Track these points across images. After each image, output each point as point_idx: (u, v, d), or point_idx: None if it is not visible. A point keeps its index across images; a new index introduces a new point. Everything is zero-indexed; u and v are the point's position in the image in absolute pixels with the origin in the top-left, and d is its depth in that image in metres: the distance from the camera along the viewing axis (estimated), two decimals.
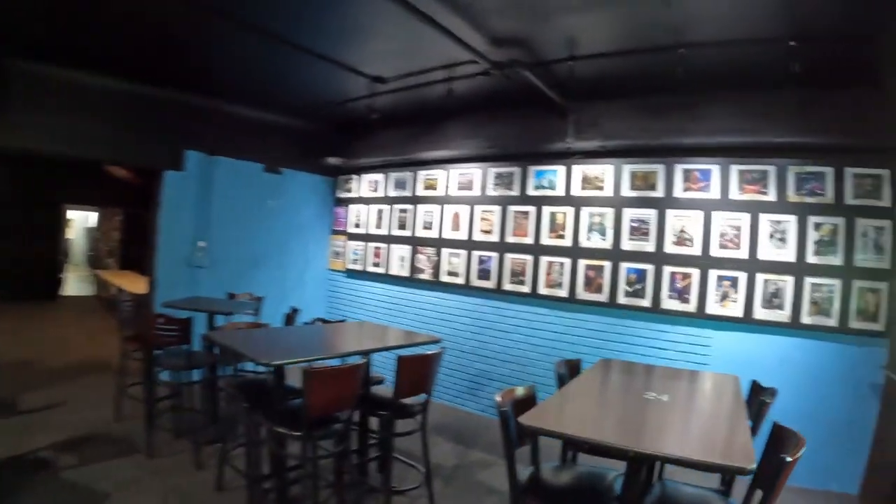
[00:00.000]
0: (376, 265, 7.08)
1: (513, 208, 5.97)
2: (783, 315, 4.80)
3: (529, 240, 5.84)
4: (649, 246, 5.31)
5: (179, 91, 6.06)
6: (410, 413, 3.61)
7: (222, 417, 4.64)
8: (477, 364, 6.13)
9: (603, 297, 5.46)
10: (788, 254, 4.85)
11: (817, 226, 4.80)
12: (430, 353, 3.59)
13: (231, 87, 6.03)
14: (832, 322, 4.64)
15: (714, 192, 5.11)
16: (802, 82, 4.30)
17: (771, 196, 4.94)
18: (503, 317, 6.01)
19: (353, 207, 7.52)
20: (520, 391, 2.80)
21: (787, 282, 4.84)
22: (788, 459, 2.03)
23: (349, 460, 3.69)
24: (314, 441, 3.18)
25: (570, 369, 3.70)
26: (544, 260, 5.74)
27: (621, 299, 5.39)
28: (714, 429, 2.60)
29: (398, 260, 6.83)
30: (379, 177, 7.19)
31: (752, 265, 4.93)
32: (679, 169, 5.25)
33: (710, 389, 3.61)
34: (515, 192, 5.97)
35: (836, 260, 4.71)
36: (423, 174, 6.71)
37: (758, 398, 3.34)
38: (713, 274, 5.05)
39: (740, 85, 4.85)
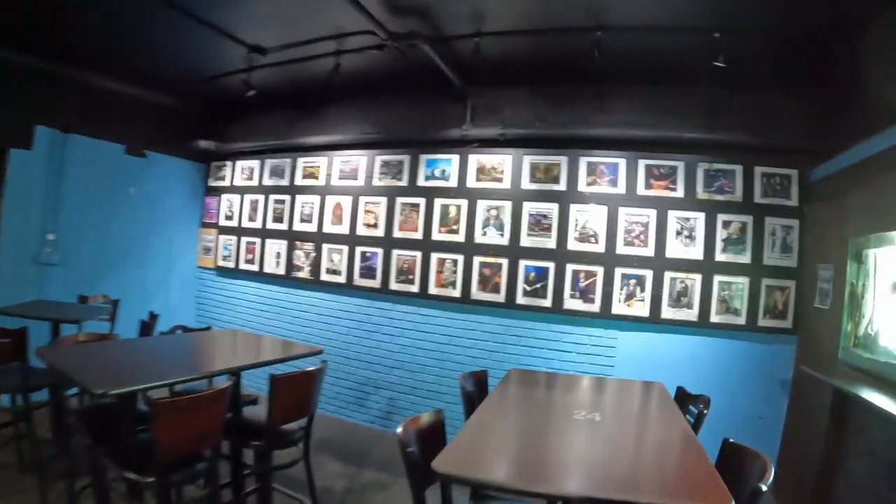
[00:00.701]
0: (249, 262, 6.19)
1: (401, 200, 5.30)
2: (691, 314, 4.54)
3: (419, 235, 5.19)
4: (550, 242, 4.80)
5: (27, 54, 4.95)
6: (290, 441, 3.14)
7: (75, 448, 3.67)
8: (363, 371, 5.41)
9: (500, 297, 4.90)
10: (696, 252, 4.57)
11: (726, 224, 4.56)
12: (310, 369, 3.13)
13: (89, 52, 5.02)
14: (741, 320, 4.49)
15: (620, 187, 4.74)
16: (715, 80, 4.23)
17: (679, 192, 4.65)
18: (390, 319, 5.32)
19: (225, 197, 6.57)
20: (425, 419, 2.35)
21: (695, 280, 4.56)
22: (763, 488, 1.81)
23: (219, 500, 2.95)
24: (171, 487, 2.51)
25: (478, 383, 3.27)
26: (435, 257, 5.10)
27: (520, 299, 4.84)
28: (669, 458, 2.28)
29: (273, 256, 5.99)
30: (254, 163, 6.32)
31: (660, 263, 4.60)
32: (584, 162, 4.83)
33: (641, 403, 3.36)
34: (404, 183, 5.32)
35: (745, 258, 4.51)
36: (302, 161, 5.93)
37: (686, 406, 3.22)
38: (618, 272, 4.66)
39: (652, 79, 4.55)
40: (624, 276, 4.68)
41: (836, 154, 4.08)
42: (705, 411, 3.01)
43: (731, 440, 2.29)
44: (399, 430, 2.15)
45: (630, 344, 4.68)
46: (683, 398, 3.36)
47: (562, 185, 4.86)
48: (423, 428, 2.29)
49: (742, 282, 4.54)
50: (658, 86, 4.62)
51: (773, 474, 1.92)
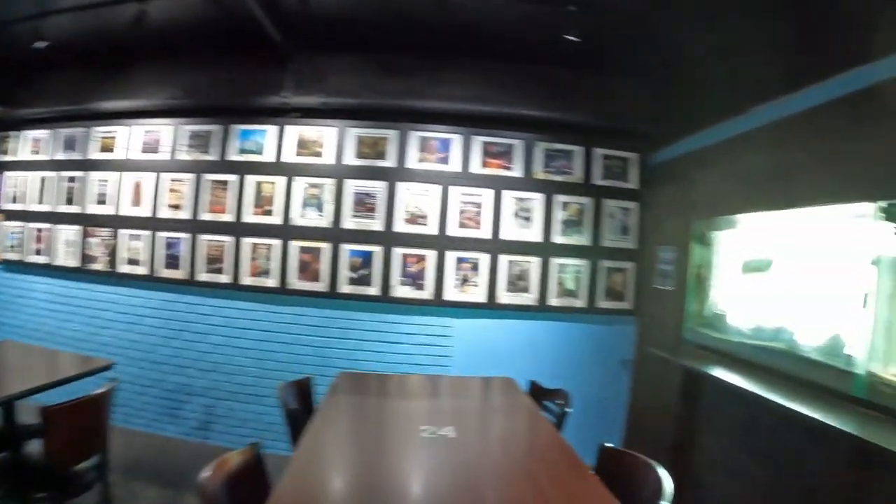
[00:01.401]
0: (39, 253, 5.20)
1: (209, 177, 4.57)
2: (529, 298, 4.29)
3: (230, 217, 4.49)
4: (377, 224, 4.30)
5: None
6: (81, 485, 2.56)
7: None
8: (173, 377, 4.64)
9: (322, 285, 4.33)
10: (534, 234, 4.30)
11: (565, 205, 4.32)
12: (96, 393, 2.55)
13: None
14: (580, 303, 4.32)
15: (454, 165, 4.35)
16: (560, 59, 4.07)
17: (517, 172, 4.35)
18: (200, 315, 4.59)
19: (10, 175, 5.50)
20: (235, 460, 1.80)
21: (533, 263, 4.29)
22: None
23: None
24: None
25: (301, 395, 2.80)
26: (248, 242, 4.44)
27: (344, 288, 4.31)
28: (548, 479, 1.88)
29: (65, 245, 5.05)
30: (45, 134, 5.32)
31: (495, 246, 4.27)
32: (415, 136, 4.39)
33: (498, 408, 3.06)
34: (214, 157, 4.60)
35: (584, 240, 4.31)
36: (99, 131, 5.04)
37: (542, 403, 3.02)
38: (451, 256, 4.28)
39: (493, 52, 4.17)
40: (458, 260, 4.26)
41: (679, 139, 4.03)
42: (567, 409, 2.77)
43: (608, 445, 2.14)
44: (202, 480, 1.59)
45: (467, 332, 4.32)
46: (538, 394, 3.10)
47: (390, 162, 4.37)
48: (233, 473, 1.73)
49: (581, 264, 4.33)
50: (499, 61, 4.25)
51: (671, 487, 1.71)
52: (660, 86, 4.25)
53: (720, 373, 3.11)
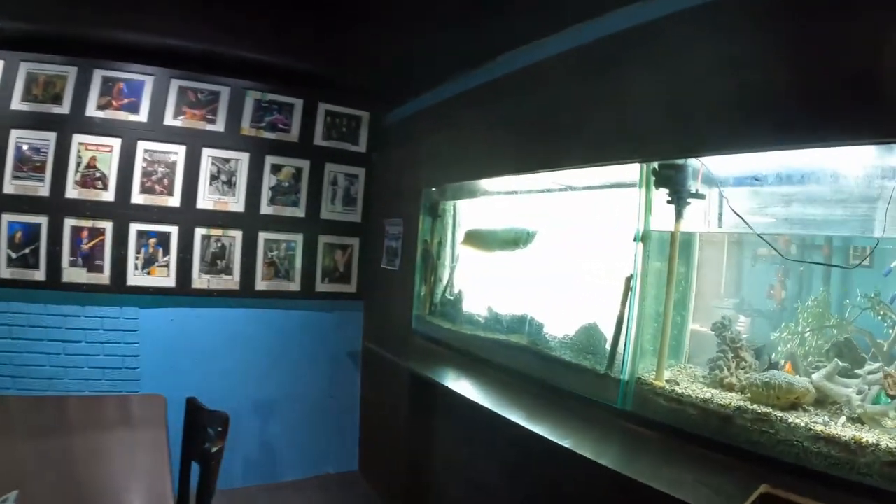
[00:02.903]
0: None
1: None
2: (231, 281, 3.61)
3: None
4: (43, 188, 3.47)
5: None
6: None
7: None
8: None
9: None
10: (237, 202, 3.63)
11: (276, 168, 3.62)
12: None
13: None
14: (294, 286, 3.72)
15: (142, 114, 3.55)
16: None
17: (219, 126, 3.61)
18: None
19: None
20: None
21: (236, 238, 3.61)
22: None
23: None
24: None
25: None
26: None
27: (3, 272, 3.46)
28: None
29: None
30: None
31: (189, 216, 3.56)
32: (98, 76, 3.53)
33: (106, 446, 2.24)
34: None
35: (299, 211, 3.67)
36: None
37: (199, 434, 2.21)
38: (134, 229, 3.53)
39: None
40: (141, 235, 3.53)
41: (416, 95, 3.47)
42: (216, 447, 2.00)
43: None
44: None
45: (156, 325, 3.58)
46: (194, 417, 2.32)
47: (64, 108, 3.51)
48: None
49: (295, 239, 3.68)
50: None
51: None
52: (406, 35, 3.43)
53: (451, 377, 2.58)
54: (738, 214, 1.77)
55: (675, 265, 1.89)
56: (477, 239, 2.97)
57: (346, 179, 3.71)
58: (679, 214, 1.84)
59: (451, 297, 3.23)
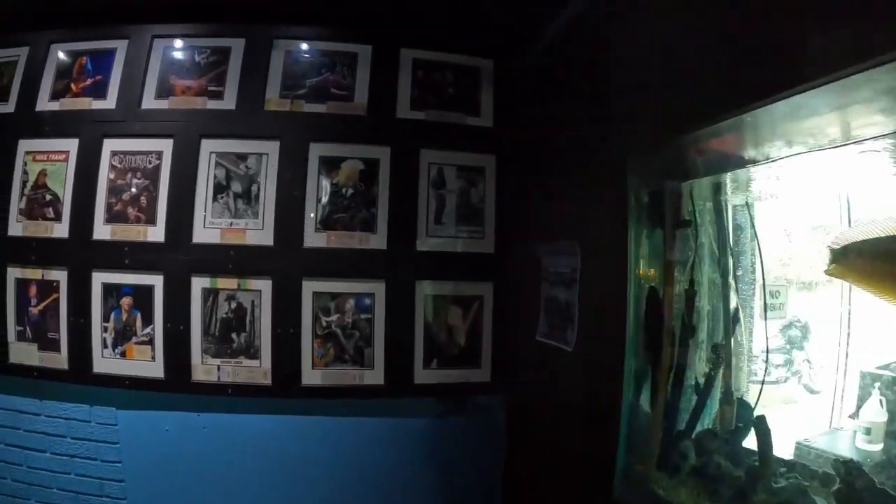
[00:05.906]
0: None
1: None
2: (258, 370, 2.24)
3: None
4: None
5: None
6: None
7: None
8: None
9: None
10: (261, 229, 2.25)
11: (331, 164, 2.28)
12: None
13: None
14: (373, 376, 2.30)
15: (110, 98, 2.36)
16: None
17: (228, 101, 2.31)
18: None
19: None
20: None
21: (262, 292, 2.26)
22: None
23: None
24: None
25: None
26: None
27: None
28: None
29: None
30: None
31: (182, 257, 2.24)
32: (56, 53, 2.41)
33: None
34: None
35: (376, 240, 2.23)
36: None
37: None
38: (98, 281, 2.26)
39: None
40: (109, 291, 2.30)
41: None
42: None
43: None
44: None
45: (143, 436, 2.27)
46: None
47: (9, 105, 2.38)
48: None
49: (372, 291, 2.23)
50: None
51: None
52: None
53: None
54: None
55: None
56: None
57: (462, 177, 2.11)
58: None
59: (741, 427, 1.46)
